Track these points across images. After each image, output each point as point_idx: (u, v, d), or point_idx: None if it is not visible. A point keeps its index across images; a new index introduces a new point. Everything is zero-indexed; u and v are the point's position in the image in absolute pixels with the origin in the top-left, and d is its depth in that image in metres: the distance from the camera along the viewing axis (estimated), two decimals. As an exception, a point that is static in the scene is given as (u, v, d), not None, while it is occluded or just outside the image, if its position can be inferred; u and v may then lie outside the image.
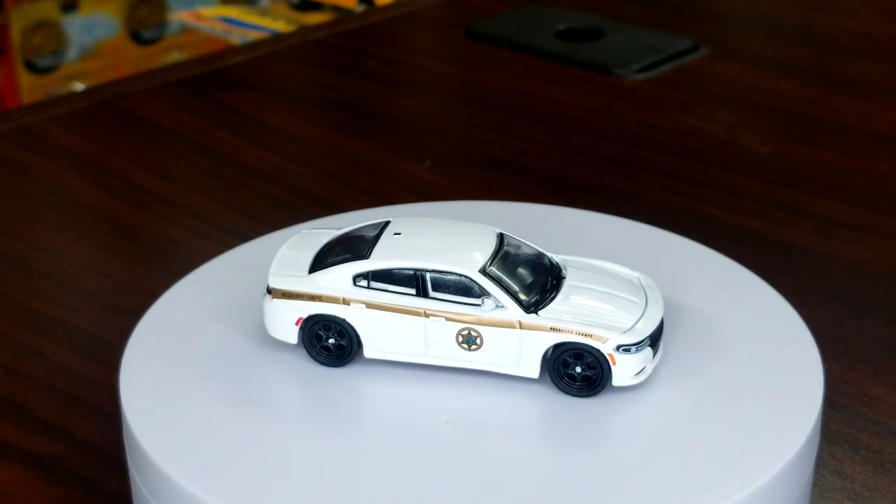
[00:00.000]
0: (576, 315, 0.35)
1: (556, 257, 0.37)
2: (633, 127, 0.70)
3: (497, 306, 0.35)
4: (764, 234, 0.58)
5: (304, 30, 0.94)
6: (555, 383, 0.35)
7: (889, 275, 0.54)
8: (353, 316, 0.36)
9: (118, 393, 0.35)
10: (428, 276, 0.35)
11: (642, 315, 0.35)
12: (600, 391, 0.35)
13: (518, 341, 0.35)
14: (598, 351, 0.34)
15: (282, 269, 0.37)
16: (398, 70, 0.80)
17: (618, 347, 0.34)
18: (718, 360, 0.37)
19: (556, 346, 0.35)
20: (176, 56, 1.48)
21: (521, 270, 0.36)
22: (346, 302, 0.36)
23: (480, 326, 0.35)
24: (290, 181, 0.63)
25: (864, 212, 0.60)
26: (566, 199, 0.58)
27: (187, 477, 0.32)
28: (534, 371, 0.35)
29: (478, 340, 0.35)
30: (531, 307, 0.35)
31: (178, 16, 1.48)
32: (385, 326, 0.36)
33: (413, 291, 0.35)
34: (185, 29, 1.49)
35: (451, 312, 0.35)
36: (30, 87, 1.39)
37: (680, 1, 0.92)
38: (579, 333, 0.35)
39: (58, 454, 0.43)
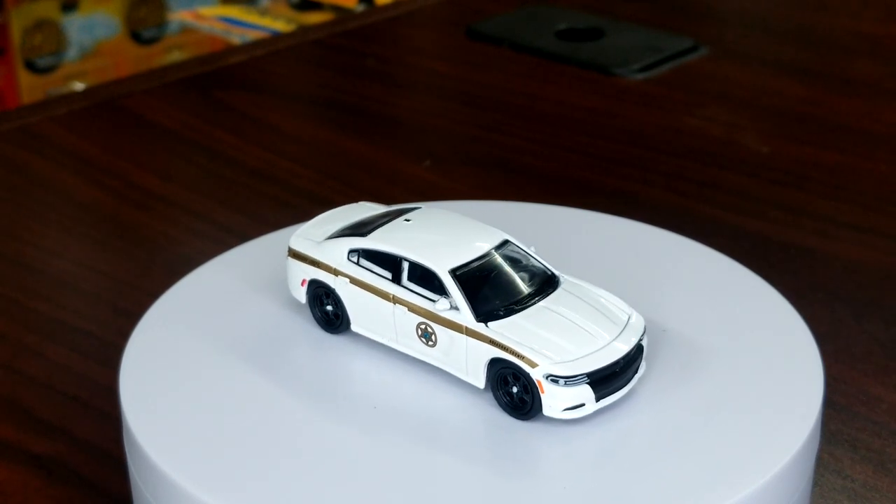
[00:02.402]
0: (521, 335, 0.34)
1: (562, 277, 0.36)
2: (633, 127, 0.70)
3: (451, 307, 0.35)
4: (764, 234, 0.58)
5: (304, 30, 0.94)
6: (494, 395, 0.35)
7: (889, 275, 0.54)
8: (340, 287, 0.37)
9: (118, 393, 0.35)
10: (405, 264, 0.36)
11: (593, 352, 0.34)
12: (532, 417, 0.34)
13: (465, 347, 0.35)
14: (528, 375, 0.33)
15: (306, 232, 0.39)
16: (398, 70, 0.80)
17: (546, 376, 0.33)
18: (718, 359, 0.37)
19: (494, 361, 0.34)
20: (176, 56, 1.48)
21: (501, 280, 0.35)
22: (336, 273, 0.37)
23: (434, 324, 0.35)
24: (290, 181, 0.63)
25: (864, 212, 0.60)
26: (566, 199, 0.58)
27: (187, 477, 0.32)
28: (479, 381, 0.35)
29: (433, 337, 0.35)
30: (484, 317, 0.35)
31: (178, 16, 1.48)
32: (364, 304, 0.37)
33: (390, 276, 0.36)
34: (185, 29, 1.49)
35: (412, 304, 0.36)
36: (30, 87, 1.39)
37: (680, 1, 0.92)
38: (513, 353, 0.34)
39: (58, 454, 0.43)
